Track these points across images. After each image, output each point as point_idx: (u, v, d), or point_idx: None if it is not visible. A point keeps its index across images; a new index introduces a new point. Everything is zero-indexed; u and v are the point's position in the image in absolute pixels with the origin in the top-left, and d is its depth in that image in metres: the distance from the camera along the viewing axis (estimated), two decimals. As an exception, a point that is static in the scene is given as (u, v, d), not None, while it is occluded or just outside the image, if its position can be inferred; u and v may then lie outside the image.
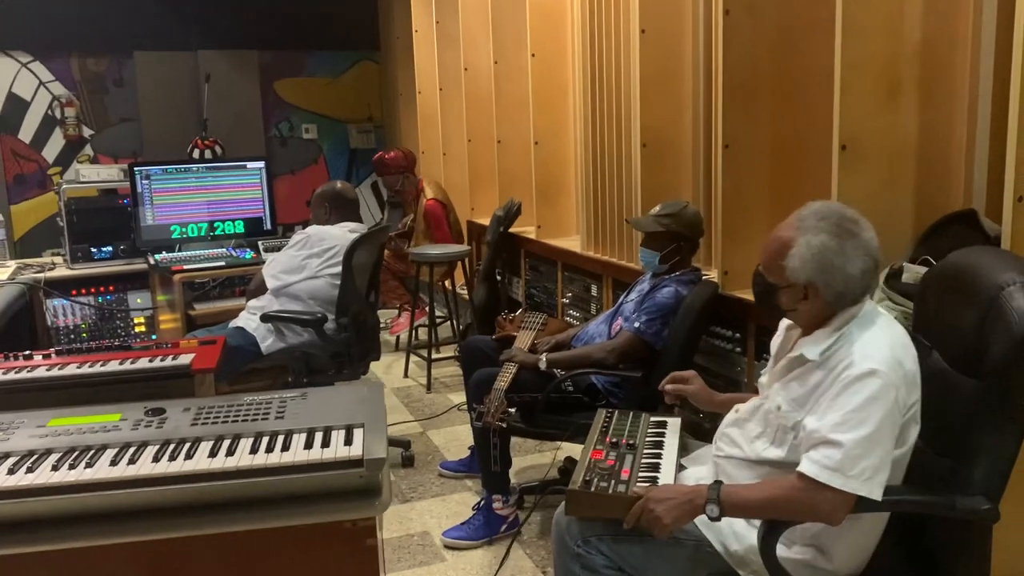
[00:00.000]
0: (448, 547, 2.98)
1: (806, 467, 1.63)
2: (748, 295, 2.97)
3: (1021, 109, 1.97)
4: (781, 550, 1.74)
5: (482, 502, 3.07)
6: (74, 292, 4.28)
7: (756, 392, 2.85)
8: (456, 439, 3.95)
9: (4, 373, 1.93)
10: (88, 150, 6.89)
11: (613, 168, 3.81)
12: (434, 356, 4.82)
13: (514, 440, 3.27)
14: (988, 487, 1.64)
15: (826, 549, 1.76)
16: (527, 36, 4.52)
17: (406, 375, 4.99)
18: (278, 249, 3.92)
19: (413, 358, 5.09)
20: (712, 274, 3.19)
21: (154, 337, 4.29)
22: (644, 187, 3.55)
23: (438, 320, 5.31)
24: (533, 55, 4.50)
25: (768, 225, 3.02)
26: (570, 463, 3.46)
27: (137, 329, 4.42)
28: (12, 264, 4.21)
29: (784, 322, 1.95)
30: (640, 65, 3.47)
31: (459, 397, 4.44)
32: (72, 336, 4.26)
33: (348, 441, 1.56)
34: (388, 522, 3.18)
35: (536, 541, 3.01)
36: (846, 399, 1.63)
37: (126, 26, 6.71)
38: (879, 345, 1.67)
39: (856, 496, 1.60)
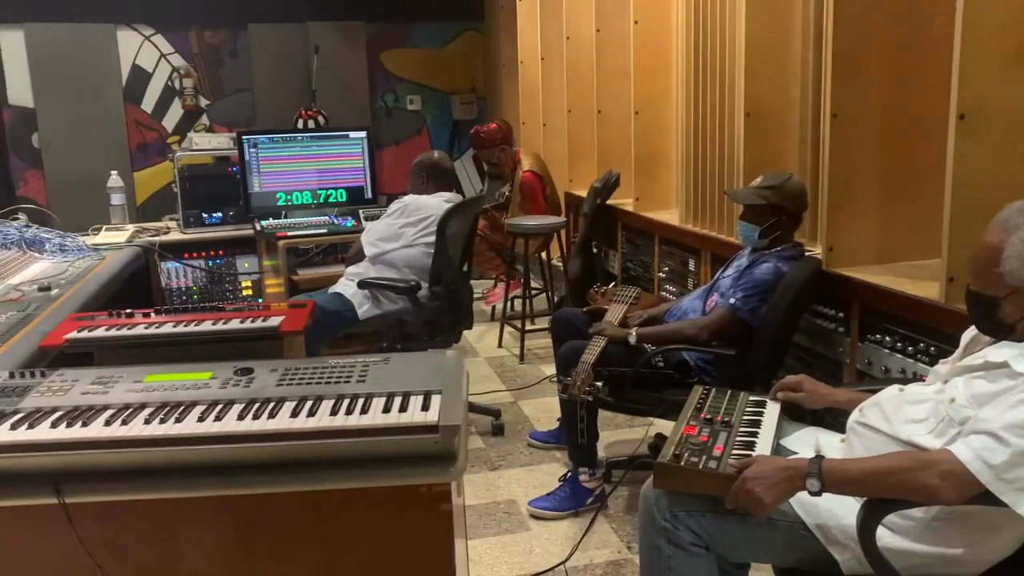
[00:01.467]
0: (534, 516, 3.00)
1: (960, 450, 1.53)
2: (854, 272, 2.85)
3: None
4: (890, 539, 1.66)
5: (568, 474, 3.07)
6: (186, 255, 4.47)
7: (858, 377, 2.77)
8: (546, 410, 3.95)
9: (107, 330, 2.04)
10: (204, 120, 7.18)
11: (715, 139, 3.69)
12: (528, 327, 4.83)
13: (605, 414, 3.25)
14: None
15: (947, 549, 1.66)
16: (630, 3, 4.41)
17: (500, 345, 5.02)
18: (378, 218, 3.98)
19: (507, 328, 5.11)
20: (816, 250, 3.06)
21: (260, 300, 4.44)
22: (747, 158, 3.43)
23: (533, 292, 5.31)
24: (636, 22, 4.40)
25: (877, 199, 2.91)
26: (660, 440, 3.41)
27: (244, 292, 4.59)
28: (130, 228, 4.43)
29: None
30: (746, 32, 3.34)
31: (551, 368, 4.43)
32: (184, 297, 4.47)
33: (425, 407, 1.56)
34: (476, 489, 3.22)
35: (622, 516, 2.98)
36: None
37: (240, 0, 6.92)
38: None
39: (984, 488, 1.50)
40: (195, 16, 6.98)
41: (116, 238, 4.15)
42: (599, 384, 2.69)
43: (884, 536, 1.66)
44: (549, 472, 3.33)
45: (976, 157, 2.33)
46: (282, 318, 2.08)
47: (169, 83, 7.07)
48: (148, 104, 7.08)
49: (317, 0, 7.05)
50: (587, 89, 5.04)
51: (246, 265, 4.62)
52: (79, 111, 6.73)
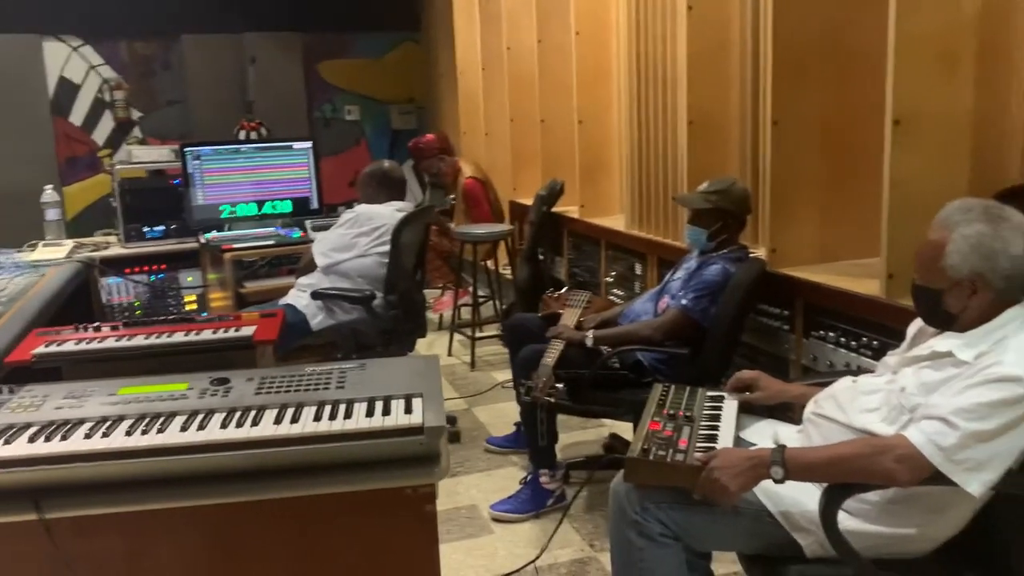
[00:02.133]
0: (496, 520, 3.03)
1: (913, 435, 1.62)
2: (797, 272, 2.97)
3: (1084, 80, 1.94)
4: (850, 522, 1.75)
5: (529, 476, 3.11)
6: (128, 270, 4.38)
7: (804, 372, 2.89)
8: (501, 415, 4.00)
9: (76, 344, 2.01)
10: (137, 132, 7.03)
11: (659, 146, 3.79)
12: (477, 335, 4.87)
13: (560, 416, 3.30)
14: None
15: (901, 529, 1.76)
16: (571, 14, 4.50)
17: (450, 353, 5.04)
18: (325, 228, 3.97)
19: (457, 336, 5.14)
20: (760, 251, 3.18)
21: (204, 314, 4.38)
22: (690, 165, 3.53)
23: (480, 299, 5.35)
24: (577, 33, 4.49)
25: (817, 201, 3.04)
26: (615, 440, 3.49)
27: (188, 307, 4.52)
28: (68, 243, 4.32)
29: None
30: (687, 42, 3.45)
31: (502, 375, 4.48)
32: (127, 313, 4.37)
33: (408, 410, 1.59)
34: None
35: (583, 515, 3.04)
36: (981, 391, 1.61)
37: (174, 10, 6.80)
38: None
39: (936, 470, 1.59)
40: (126, 27, 6.83)
41: (55, 254, 4.05)
42: (560, 386, 2.75)
43: (844, 519, 1.75)
44: (508, 476, 3.37)
45: (911, 160, 2.47)
46: (255, 327, 2.08)
47: (99, 95, 6.90)
48: (77, 117, 6.90)
49: (252, 11, 6.98)
50: (530, 99, 5.12)
51: (190, 279, 4.56)
52: (4, 124, 6.51)
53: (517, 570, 2.70)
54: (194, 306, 4.50)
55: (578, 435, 3.76)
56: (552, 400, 2.78)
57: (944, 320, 1.78)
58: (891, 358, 1.99)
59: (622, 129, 4.20)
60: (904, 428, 1.69)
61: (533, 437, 3.01)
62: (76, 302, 3.87)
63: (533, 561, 2.71)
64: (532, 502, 3.05)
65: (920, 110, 2.45)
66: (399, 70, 7.67)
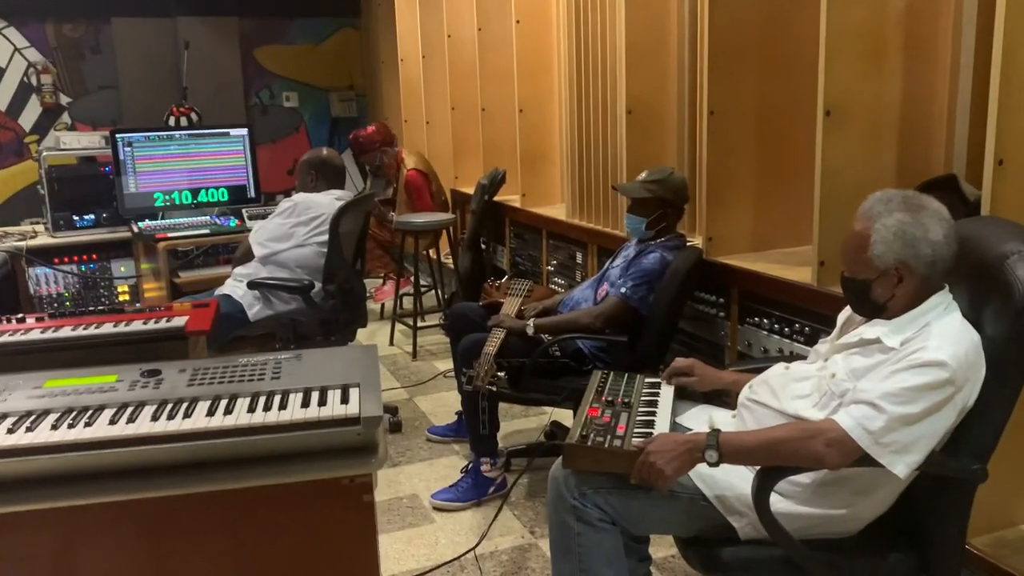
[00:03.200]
0: (437, 509, 3.03)
1: (842, 419, 1.67)
2: (732, 260, 3.03)
3: (1002, 74, 2.00)
4: (782, 504, 1.79)
5: (470, 465, 3.12)
6: (56, 260, 4.25)
7: (739, 358, 2.95)
8: (443, 405, 3.99)
9: (-2, 336, 1.94)
10: (66, 118, 6.81)
11: (599, 135, 3.82)
12: (419, 324, 4.85)
13: (501, 406, 3.31)
14: (978, 448, 1.70)
15: (831, 510, 1.81)
16: (511, 3, 4.49)
17: (391, 343, 5.01)
18: (262, 217, 3.91)
19: (398, 326, 5.11)
20: (697, 240, 3.23)
21: (137, 305, 4.27)
22: (629, 154, 3.56)
23: (423, 289, 5.32)
24: (518, 22, 4.49)
25: (752, 191, 3.09)
26: (556, 427, 3.52)
27: (121, 298, 4.41)
28: (-7, 232, 4.18)
29: None
30: (625, 31, 3.47)
31: (444, 364, 4.47)
32: (56, 304, 4.24)
33: (344, 400, 1.58)
34: (377, 485, 3.21)
35: (524, 503, 3.06)
36: (906, 376, 1.65)
37: (103, -9, 6.60)
38: (958, 342, 1.67)
39: (864, 453, 1.64)
40: (52, 8, 6.60)
41: (-23, 243, 3.91)
42: (502, 375, 2.75)
43: (776, 502, 1.80)
44: (449, 465, 3.37)
45: (841, 150, 2.53)
46: (187, 318, 2.03)
47: (25, 79, 6.66)
48: (2, 101, 6.64)
49: (186, -6, 6.81)
50: (471, 87, 5.10)
51: (122, 269, 4.44)
52: (-78, 108, 6.26)
53: (457, 558, 2.70)
54: (127, 297, 4.39)
55: (520, 423, 3.78)
56: (493, 389, 2.78)
57: (873, 309, 1.83)
58: (822, 345, 2.04)
59: (563, 118, 4.21)
60: (834, 413, 1.74)
61: (474, 426, 3.02)
62: (1, 293, 3.75)
63: (472, 549, 2.71)
64: (473, 491, 3.06)
65: (850, 101, 2.51)
66: (338, 56, 7.56)
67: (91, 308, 2.02)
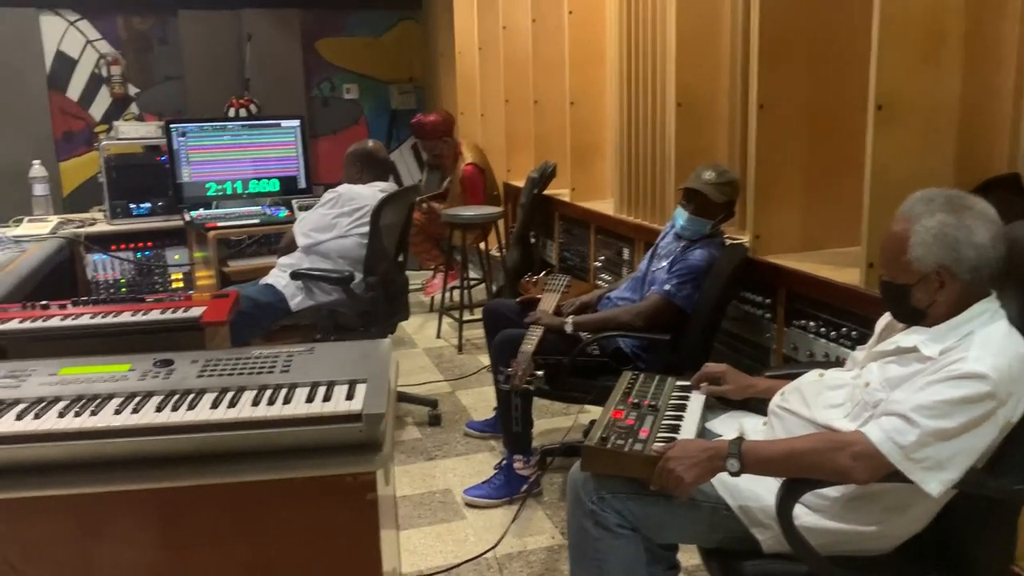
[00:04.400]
0: (469, 505, 3.00)
1: (872, 432, 1.58)
2: (779, 259, 2.91)
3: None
4: (808, 517, 1.71)
5: (503, 462, 3.08)
6: (113, 247, 4.35)
7: (784, 361, 2.84)
8: (484, 400, 3.96)
9: (20, 322, 1.97)
10: (133, 108, 6.98)
11: (648, 129, 3.73)
12: (466, 318, 4.83)
13: (538, 402, 3.26)
14: (1021, 466, 1.58)
15: (861, 527, 1.71)
16: (565, -7, 4.43)
17: (439, 336, 5.01)
18: (311, 208, 3.93)
19: (446, 319, 5.10)
20: (743, 238, 3.12)
21: (191, 292, 4.35)
22: (678, 148, 3.47)
23: (472, 282, 5.30)
24: (571, 13, 4.42)
25: (801, 187, 2.97)
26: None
27: (175, 284, 4.50)
28: (54, 219, 4.29)
29: None
30: (676, 23, 3.37)
31: (489, 359, 4.44)
32: (112, 290, 4.35)
33: (350, 396, 1.55)
34: (412, 479, 3.21)
35: (556, 502, 3.01)
36: (943, 389, 1.55)
37: (170, -16, 6.75)
38: (1001, 352, 1.56)
39: (894, 468, 1.55)
40: (123, 2, 6.78)
41: (38, 229, 4.02)
42: (539, 373, 2.71)
43: (802, 515, 1.71)
44: (485, 461, 3.34)
45: (893, 146, 2.40)
46: (204, 308, 2.04)
47: (96, 70, 6.85)
48: (74, 92, 6.85)
49: (250, -13, 6.91)
50: (524, 79, 5.05)
51: (176, 257, 4.53)
52: (-1, 99, 6.49)
53: (482, 554, 2.66)
54: (180, 284, 4.48)
55: (558, 421, 3.72)
56: (531, 388, 2.73)
57: (912, 315, 1.72)
58: (859, 353, 1.94)
59: (611, 111, 4.13)
60: (865, 424, 1.65)
61: (507, 423, 2.98)
62: (59, 279, 3.85)
63: (493, 547, 2.67)
64: (506, 488, 3.02)
65: (904, 95, 2.38)
66: (398, 49, 7.59)
67: (110, 296, 2.05)
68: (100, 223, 4.42)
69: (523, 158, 5.27)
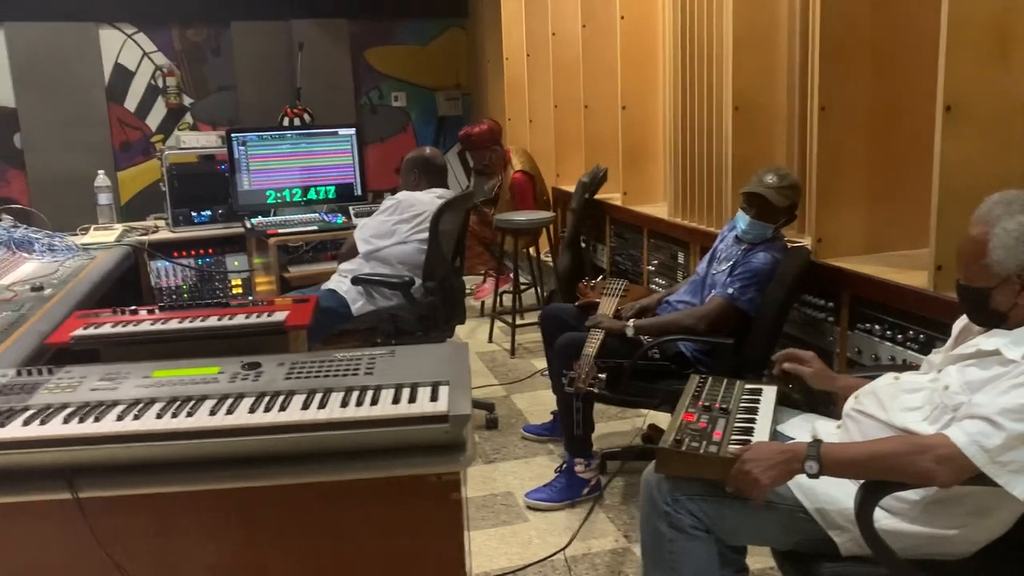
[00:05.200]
0: (531, 508, 3.03)
1: (956, 434, 1.57)
2: (843, 262, 2.90)
3: None
4: (887, 521, 1.71)
5: (564, 465, 3.10)
6: (175, 254, 4.45)
7: (848, 365, 2.82)
8: (539, 403, 3.99)
9: (113, 327, 2.04)
10: (188, 118, 7.15)
11: (703, 132, 3.73)
12: (518, 322, 4.86)
13: (597, 406, 3.28)
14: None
15: (942, 531, 1.71)
16: (617, -1, 4.45)
17: (490, 340, 5.04)
18: (368, 214, 3.99)
19: (497, 323, 5.14)
20: (804, 241, 3.10)
21: (250, 298, 4.44)
22: (735, 152, 3.47)
23: (522, 287, 5.33)
24: (622, 17, 4.44)
25: (864, 190, 2.95)
26: (653, 430, 3.46)
27: (234, 290, 4.58)
28: (119, 227, 4.40)
29: None
30: (733, 26, 3.38)
31: (542, 362, 4.46)
32: (174, 296, 4.45)
33: (434, 397, 1.58)
34: (472, 482, 3.24)
35: (618, 506, 3.02)
36: None
37: (223, -4, 6.90)
38: None
39: (979, 471, 1.54)
40: (177, 14, 6.95)
41: (105, 237, 4.13)
42: (602, 376, 2.72)
43: (881, 518, 1.71)
44: (543, 464, 3.36)
45: (962, 148, 2.38)
46: (287, 313, 2.09)
47: (152, 81, 7.04)
48: (131, 103, 7.05)
49: (300, -2, 7.04)
50: (573, 84, 5.07)
51: (236, 263, 4.62)
52: (61, 110, 6.69)
53: (548, 557, 2.69)
54: (240, 290, 4.56)
55: (616, 424, 3.73)
56: (595, 391, 2.75)
57: (992, 318, 1.71)
58: (936, 356, 1.93)
59: (666, 115, 4.14)
60: (946, 427, 1.64)
61: (569, 426, 2.99)
62: (126, 285, 3.96)
63: (563, 549, 2.69)
64: (567, 491, 3.04)
65: (973, 96, 2.36)
66: (445, 56, 7.67)
67: (199, 301, 2.11)
68: (162, 231, 4.52)
69: (573, 163, 5.29)
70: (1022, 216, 1.63)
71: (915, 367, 2.07)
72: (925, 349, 2.47)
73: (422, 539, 1.61)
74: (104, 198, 4.59)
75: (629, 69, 4.48)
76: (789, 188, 2.88)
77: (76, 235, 4.21)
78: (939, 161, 2.39)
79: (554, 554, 2.69)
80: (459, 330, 4.80)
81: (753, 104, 3.44)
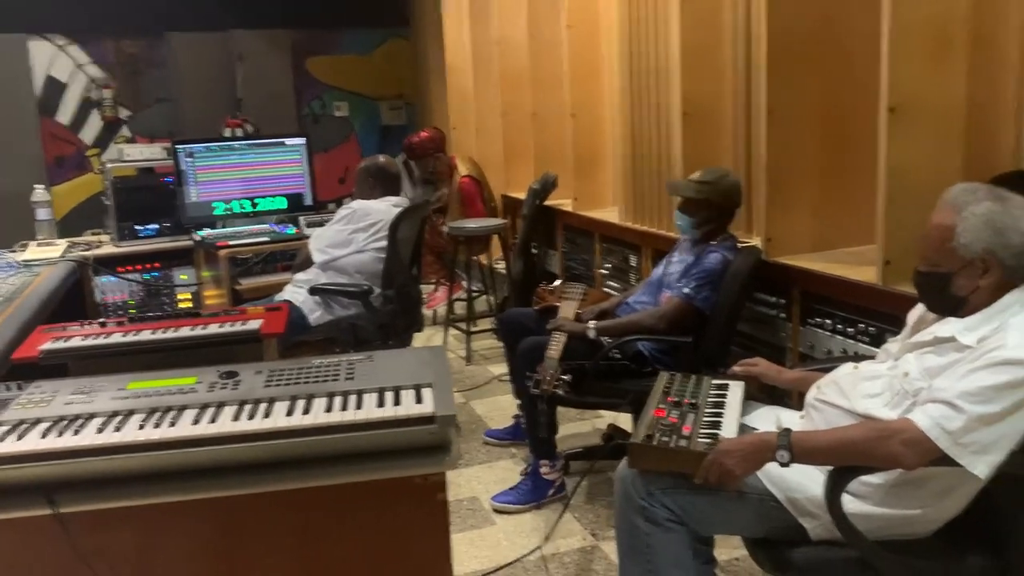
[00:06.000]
0: (498, 511, 3.04)
1: (919, 418, 1.64)
2: (793, 260, 2.99)
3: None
4: (854, 505, 1.77)
5: (530, 467, 3.13)
6: (120, 269, 4.36)
7: (801, 360, 2.91)
8: (498, 408, 4.01)
9: (83, 340, 2.00)
10: (125, 131, 6.99)
11: (652, 138, 3.81)
12: (472, 329, 4.87)
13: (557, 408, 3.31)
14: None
15: (906, 511, 1.78)
16: (563, 9, 4.51)
17: (445, 347, 5.04)
18: (320, 224, 3.97)
19: (451, 331, 5.14)
20: (755, 241, 3.20)
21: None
22: (685, 156, 3.54)
23: (474, 294, 5.35)
24: (569, 27, 4.50)
25: (812, 190, 3.05)
26: (613, 430, 3.51)
27: (182, 304, 4.50)
28: (62, 243, 4.29)
29: None
30: (679, 32, 3.46)
31: (498, 368, 4.50)
32: (121, 312, 4.35)
33: (419, 399, 1.60)
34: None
35: (584, 505, 3.06)
36: (985, 375, 1.62)
37: (160, 8, 6.76)
38: None
39: (943, 453, 1.61)
40: (112, 25, 6.79)
41: (49, 253, 4.02)
42: (567, 378, 2.76)
43: (848, 502, 1.77)
44: (507, 468, 3.39)
45: (906, 147, 2.49)
46: (262, 321, 2.08)
47: (87, 94, 6.86)
48: (64, 116, 6.86)
49: (240, 8, 6.94)
50: (521, 93, 5.12)
51: (183, 277, 4.54)
52: (-10, 124, 6.47)
53: (520, 558, 2.71)
54: (188, 303, 4.48)
55: (575, 426, 3.78)
56: (561, 392, 2.78)
57: (952, 305, 1.79)
58: (892, 345, 2.01)
59: (615, 121, 4.21)
60: (908, 412, 1.72)
61: (534, 429, 3.02)
62: (70, 301, 3.85)
63: (537, 548, 2.72)
64: (533, 493, 3.07)
65: (915, 97, 2.47)
66: (388, 66, 7.66)
67: (167, 312, 2.08)
68: (106, 245, 4.42)
69: (522, 170, 5.34)
70: (988, 203, 1.72)
71: (867, 358, 2.15)
72: (876, 342, 2.57)
73: (409, 541, 1.62)
74: (43, 213, 4.47)
75: (577, 78, 4.54)
76: (706, 184, 2.97)
77: (15, 251, 4.09)
78: (884, 160, 2.50)
79: (527, 554, 2.72)
80: (416, 338, 4.80)
81: (700, 109, 3.52)
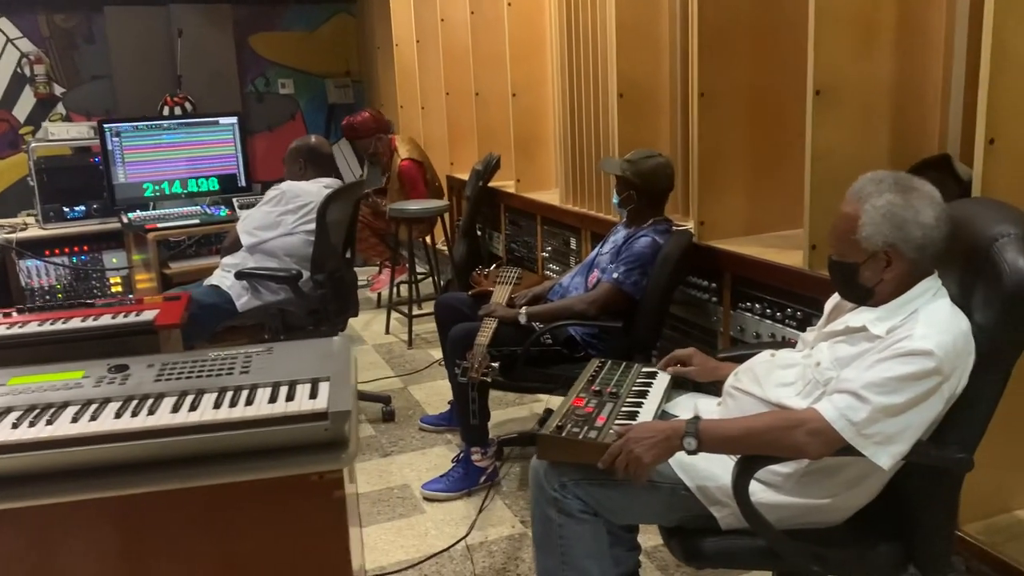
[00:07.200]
0: (427, 499, 3.00)
1: (825, 409, 1.63)
2: (724, 244, 2.98)
3: (993, 52, 1.95)
4: (764, 494, 1.76)
5: (461, 455, 3.09)
6: (47, 252, 4.22)
7: (732, 343, 2.91)
8: (437, 394, 3.96)
9: (-36, 332, 1.91)
10: (60, 108, 6.77)
11: (591, 119, 3.77)
12: (415, 312, 4.81)
13: (492, 393, 3.28)
14: (965, 437, 1.65)
15: (817, 500, 1.77)
16: (503, -15, 4.43)
17: (387, 331, 4.98)
18: (253, 206, 3.87)
19: (394, 315, 5.08)
20: (688, 224, 3.18)
21: (131, 296, 4.25)
22: (622, 138, 3.51)
23: (419, 276, 5.29)
24: (510, 4, 4.43)
25: (744, 174, 3.04)
26: (548, 415, 3.48)
27: (113, 289, 4.39)
28: (-18, 225, 4.15)
29: None
30: (616, 13, 3.41)
31: (440, 353, 4.42)
32: (48, 297, 4.22)
33: (313, 394, 1.54)
34: (368, 476, 3.20)
35: (515, 492, 3.03)
36: (891, 365, 1.61)
37: (95, -21, 6.54)
38: (945, 330, 1.62)
39: (847, 443, 1.60)
40: (44, -2, 6.56)
41: (-33, 237, 3.88)
42: (495, 365, 2.72)
43: (757, 491, 1.76)
44: (441, 455, 3.34)
45: (832, 131, 2.48)
46: (157, 312, 2.00)
47: (18, 70, 6.62)
48: (-5, 93, 6.61)
49: (179, -19, 6.74)
50: (464, 72, 5.04)
51: (114, 260, 4.42)
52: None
53: (447, 548, 2.68)
54: (119, 288, 4.37)
55: (513, 411, 3.75)
56: (488, 380, 2.74)
57: (861, 294, 1.78)
58: (810, 333, 2.00)
59: (555, 102, 4.16)
60: (817, 402, 1.70)
61: (465, 416, 2.98)
62: (-8, 286, 3.73)
63: (462, 539, 2.69)
64: (464, 480, 3.03)
65: (840, 81, 2.46)
66: (334, 43, 7.50)
67: (57, 302, 1.99)
68: (32, 228, 4.28)
69: (466, 150, 5.27)
70: (890, 195, 1.69)
71: (790, 346, 2.14)
72: (803, 326, 2.57)
73: (306, 539, 1.56)
74: (-34, 195, 4.31)
75: (518, 57, 4.48)
76: (628, 163, 2.96)
77: (-67, 235, 3.95)
78: (810, 144, 2.49)
79: (452, 545, 2.68)
80: (354, 322, 4.74)
81: (637, 91, 3.49)
